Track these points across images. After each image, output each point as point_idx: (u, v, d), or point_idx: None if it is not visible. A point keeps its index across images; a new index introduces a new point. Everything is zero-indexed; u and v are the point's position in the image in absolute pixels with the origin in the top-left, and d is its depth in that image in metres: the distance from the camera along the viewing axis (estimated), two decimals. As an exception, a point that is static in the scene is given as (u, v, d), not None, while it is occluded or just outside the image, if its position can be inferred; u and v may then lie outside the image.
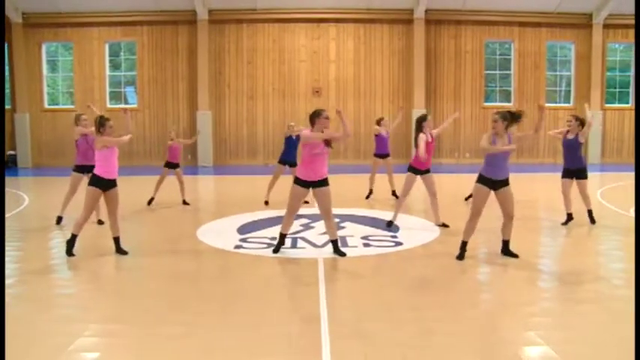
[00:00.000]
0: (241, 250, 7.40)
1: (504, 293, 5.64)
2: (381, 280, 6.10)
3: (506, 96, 22.88)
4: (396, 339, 4.29)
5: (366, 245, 7.59)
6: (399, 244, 7.70)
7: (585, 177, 9.09)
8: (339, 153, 22.16)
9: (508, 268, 6.68)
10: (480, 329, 4.51)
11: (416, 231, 8.59)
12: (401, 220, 9.15)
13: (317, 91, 22.06)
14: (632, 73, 22.72)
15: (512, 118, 6.88)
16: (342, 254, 6.93)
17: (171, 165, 11.49)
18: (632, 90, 22.85)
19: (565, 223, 9.03)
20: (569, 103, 22.81)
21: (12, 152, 22.30)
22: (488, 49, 22.61)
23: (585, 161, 9.22)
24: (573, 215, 9.06)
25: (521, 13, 21.74)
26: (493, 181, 6.80)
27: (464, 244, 6.92)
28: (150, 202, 11.36)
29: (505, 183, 6.86)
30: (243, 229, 8.78)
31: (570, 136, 9.04)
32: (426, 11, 21.37)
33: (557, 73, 23.10)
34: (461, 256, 6.84)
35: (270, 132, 22.25)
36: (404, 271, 6.67)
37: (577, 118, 9.09)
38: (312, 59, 22.09)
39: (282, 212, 8.58)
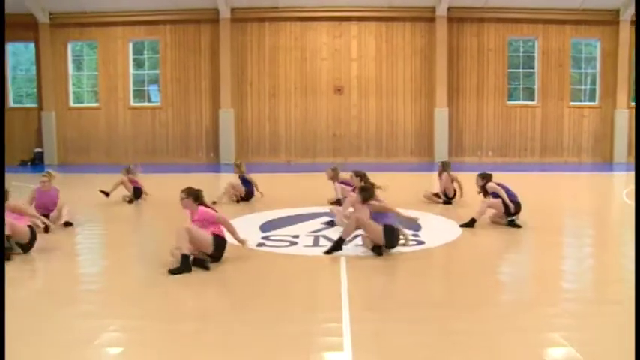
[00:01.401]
0: (263, 248, 7.44)
1: (526, 293, 5.61)
2: (402, 279, 6.10)
3: (529, 94, 22.66)
4: (417, 338, 4.30)
5: (388, 244, 7.58)
6: (420, 242, 7.68)
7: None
8: (360, 151, 22.16)
9: (530, 268, 6.65)
10: (501, 329, 4.49)
11: (438, 230, 8.56)
12: (423, 220, 9.12)
13: (339, 90, 22.07)
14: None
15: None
16: (380, 253, 6.92)
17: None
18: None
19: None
20: (594, 101, 22.53)
21: (39, 150, 22.67)
22: (511, 46, 22.42)
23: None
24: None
25: (545, 10, 21.50)
26: None
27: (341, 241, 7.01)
28: (107, 194, 11.55)
29: None
30: (266, 227, 8.82)
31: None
32: (449, 9, 21.25)
33: (582, 70, 22.83)
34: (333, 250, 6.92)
35: (292, 130, 22.32)
36: (425, 270, 6.67)
37: (483, 177, 9.01)
38: (334, 57, 22.10)
39: (303, 210, 8.65)
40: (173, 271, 6.07)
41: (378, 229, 6.88)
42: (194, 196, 6.69)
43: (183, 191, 6.76)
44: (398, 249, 7.26)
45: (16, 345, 4.23)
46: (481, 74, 22.10)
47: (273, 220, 9.39)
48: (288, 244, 7.64)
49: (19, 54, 23.86)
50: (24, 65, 23.93)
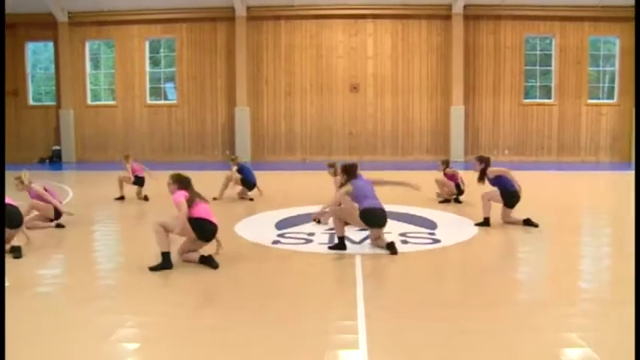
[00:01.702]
0: (279, 246, 7.46)
1: (542, 293, 5.58)
2: (418, 278, 6.09)
3: (546, 92, 22.49)
4: (433, 337, 4.29)
5: (403, 242, 7.57)
6: (436, 241, 7.67)
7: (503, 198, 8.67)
8: (376, 149, 22.13)
9: (546, 267, 6.61)
10: (518, 329, 4.47)
11: (454, 229, 8.53)
12: (439, 218, 9.10)
13: (355, 88, 22.05)
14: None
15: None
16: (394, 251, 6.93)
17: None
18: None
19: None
20: (612, 99, 22.30)
21: (57, 147, 22.92)
22: (528, 44, 22.26)
23: (509, 189, 8.64)
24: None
25: (563, 7, 21.31)
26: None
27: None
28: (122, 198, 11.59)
29: None
30: (281, 225, 8.85)
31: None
32: (465, 6, 21.14)
33: (600, 68, 22.60)
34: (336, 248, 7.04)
35: (307, 128, 22.35)
36: (441, 269, 6.66)
37: (481, 160, 8.86)
38: (350, 55, 22.08)
39: (319, 208, 8.64)
40: (153, 268, 6.18)
41: (354, 213, 7.05)
42: (179, 182, 6.66)
43: (171, 177, 6.76)
44: (414, 247, 7.27)
45: (36, 340, 4.30)
46: (497, 72, 21.96)
47: (289, 217, 9.41)
48: (303, 241, 7.66)
49: (39, 53, 24.13)
50: (43, 64, 24.20)
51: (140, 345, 4.30)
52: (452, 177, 11.01)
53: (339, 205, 7.48)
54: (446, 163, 11.29)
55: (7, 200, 7.15)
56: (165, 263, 6.26)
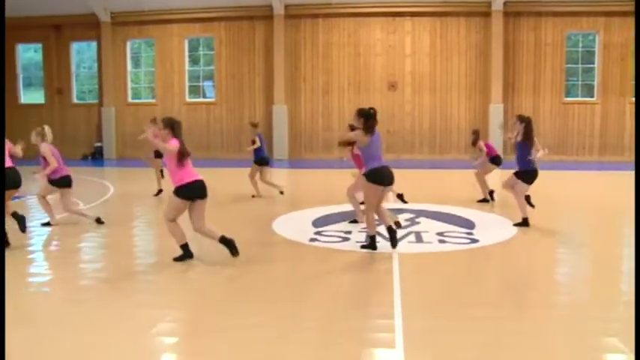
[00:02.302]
0: (316, 243, 7.51)
1: (582, 295, 5.50)
2: (455, 277, 6.07)
3: (588, 90, 22.01)
4: (470, 338, 4.28)
5: (441, 242, 7.55)
6: (474, 241, 7.62)
7: (523, 179, 8.56)
8: (414, 147, 22.02)
9: (586, 269, 6.52)
10: (557, 331, 4.42)
11: (492, 229, 8.46)
12: (477, 218, 9.03)
13: (392, 86, 21.97)
14: None
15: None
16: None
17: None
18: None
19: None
20: (658, 97, 21.69)
21: (99, 144, 23.45)
22: (570, 41, 21.80)
23: (530, 165, 8.53)
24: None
25: (608, 1, 20.76)
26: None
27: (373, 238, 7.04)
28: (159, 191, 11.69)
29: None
30: (318, 222, 8.90)
31: (518, 138, 8.61)
32: (505, 3, 20.82)
33: (645, 65, 21.99)
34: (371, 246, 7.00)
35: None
36: (479, 269, 6.62)
37: (522, 119, 8.60)
38: (388, 53, 22.00)
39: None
40: (176, 259, 6.50)
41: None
42: (171, 127, 6.47)
43: (162, 120, 6.62)
44: (451, 247, 7.23)
45: (80, 333, 4.44)
46: (538, 70, 21.56)
47: (326, 215, 9.46)
48: (340, 239, 7.69)
49: (82, 52, 24.71)
50: (86, 63, 24.77)
51: (178, 340, 4.41)
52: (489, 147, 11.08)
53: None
54: (476, 134, 11.33)
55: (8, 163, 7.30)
56: (185, 254, 6.53)
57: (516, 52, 21.54)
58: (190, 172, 6.46)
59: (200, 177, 6.51)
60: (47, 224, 8.74)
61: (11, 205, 7.50)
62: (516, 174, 8.57)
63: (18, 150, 7.90)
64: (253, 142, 11.59)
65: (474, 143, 11.24)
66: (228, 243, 6.51)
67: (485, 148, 11.00)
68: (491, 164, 10.95)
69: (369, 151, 6.98)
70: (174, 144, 6.37)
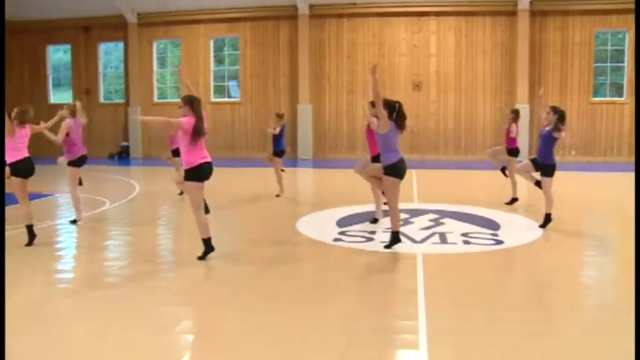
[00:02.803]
0: (340, 243, 7.53)
1: (611, 299, 5.43)
2: (480, 279, 6.04)
3: (617, 90, 21.65)
4: (495, 339, 4.26)
5: (465, 242, 7.52)
6: (499, 242, 7.57)
7: (547, 174, 8.38)
8: (438, 148, 21.89)
9: (614, 272, 6.43)
10: (583, 335, 4.38)
11: (518, 230, 8.39)
12: (503, 219, 8.96)
13: (417, 85, 21.86)
14: None
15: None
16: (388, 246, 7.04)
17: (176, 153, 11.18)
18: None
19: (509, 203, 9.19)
20: (689, 96, 21.27)
21: (125, 143, 23.74)
22: (599, 39, 21.46)
23: (553, 159, 8.41)
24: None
25: (638, -1, 20.40)
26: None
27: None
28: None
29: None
30: (342, 222, 8.92)
31: (547, 128, 8.47)
32: (531, 2, 20.58)
33: (676, 64, 21.56)
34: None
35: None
36: (504, 270, 6.58)
37: (555, 110, 8.46)
38: (413, 53, 21.90)
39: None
40: (200, 257, 6.60)
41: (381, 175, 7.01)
42: (191, 104, 6.48)
43: (182, 98, 6.65)
44: (476, 248, 7.19)
45: (104, 330, 4.52)
46: (565, 69, 21.26)
47: (351, 215, 9.46)
48: (364, 239, 7.70)
49: (110, 53, 25.03)
50: (113, 63, 25.08)
51: (201, 338, 4.45)
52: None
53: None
54: (515, 114, 11.12)
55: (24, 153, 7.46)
56: (207, 249, 6.61)
57: (543, 51, 21.28)
58: (200, 153, 6.45)
59: (209, 159, 6.53)
60: (74, 222, 8.88)
61: (31, 213, 7.58)
62: (541, 168, 8.42)
63: (43, 128, 8.17)
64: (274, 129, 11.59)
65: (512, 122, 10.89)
66: (207, 246, 6.66)
67: (514, 130, 10.82)
68: (509, 156, 10.86)
69: (388, 141, 6.94)
70: (188, 120, 6.36)
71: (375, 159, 7.98)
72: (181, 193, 11.75)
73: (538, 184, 8.59)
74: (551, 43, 21.17)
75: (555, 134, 8.27)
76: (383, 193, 7.48)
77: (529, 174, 8.78)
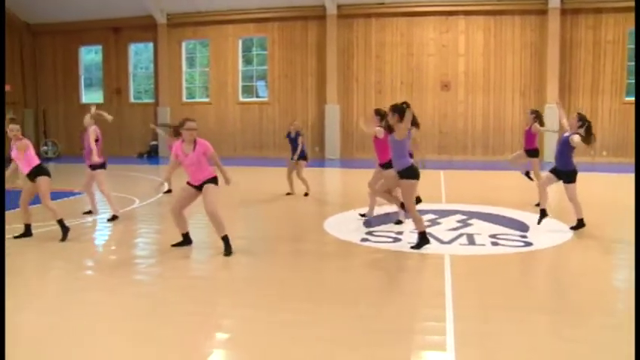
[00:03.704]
0: (367, 244, 7.53)
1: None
2: (508, 281, 5.98)
3: (651, 89, 21.22)
4: (525, 342, 4.22)
5: (494, 244, 7.45)
6: (528, 244, 7.49)
7: (570, 181, 8.18)
8: (466, 148, 21.72)
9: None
10: (613, 341, 4.30)
11: (547, 232, 8.28)
12: (532, 220, 8.86)
13: (445, 85, 21.72)
14: None
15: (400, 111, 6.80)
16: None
17: None
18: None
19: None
20: None
21: (154, 142, 24.02)
22: (632, 37, 21.03)
23: (573, 164, 8.16)
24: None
25: (675, -5, 19.95)
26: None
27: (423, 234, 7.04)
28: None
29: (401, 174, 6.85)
30: (370, 223, 8.91)
31: (566, 134, 8.21)
32: (562, 0, 20.30)
33: None
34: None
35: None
36: (533, 273, 6.52)
37: (580, 118, 8.13)
38: (441, 53, 21.76)
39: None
40: (226, 254, 6.83)
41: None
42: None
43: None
44: (505, 249, 7.13)
45: (138, 326, 4.59)
46: (597, 69, 20.89)
47: (378, 215, 9.44)
48: (391, 240, 7.68)
49: (140, 53, 25.39)
50: (143, 64, 25.44)
51: (232, 335, 4.49)
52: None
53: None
54: (536, 114, 10.99)
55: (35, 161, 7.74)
56: (226, 248, 6.91)
57: (574, 50, 20.94)
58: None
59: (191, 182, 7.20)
60: (113, 218, 9.14)
61: (57, 209, 7.80)
62: (563, 175, 8.24)
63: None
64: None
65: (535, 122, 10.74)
66: (186, 239, 7.25)
67: (538, 130, 10.76)
68: (530, 157, 10.76)
69: (402, 147, 6.94)
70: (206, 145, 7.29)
71: (386, 166, 8.20)
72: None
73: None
74: (583, 41, 20.82)
75: (572, 141, 8.01)
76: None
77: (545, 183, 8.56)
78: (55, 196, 8.85)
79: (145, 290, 5.66)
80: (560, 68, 20.67)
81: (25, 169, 7.67)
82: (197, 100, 24.43)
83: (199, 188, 7.01)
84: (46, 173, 7.72)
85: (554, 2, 20.26)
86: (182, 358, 4.05)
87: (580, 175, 8.22)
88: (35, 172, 7.65)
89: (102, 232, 8.64)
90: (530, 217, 9.00)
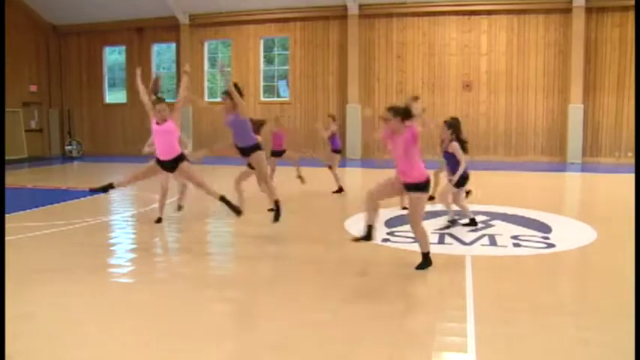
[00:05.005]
0: (388, 244, 7.52)
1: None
2: (531, 282, 5.94)
3: (678, 88, 20.86)
4: (547, 345, 4.19)
5: (516, 245, 7.40)
6: (551, 245, 7.42)
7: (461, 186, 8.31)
8: (488, 149, 21.56)
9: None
10: None
11: (570, 233, 8.21)
12: (554, 221, 8.78)
13: (467, 85, 21.58)
14: None
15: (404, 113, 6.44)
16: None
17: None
18: None
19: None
20: None
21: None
22: (659, 37, 20.72)
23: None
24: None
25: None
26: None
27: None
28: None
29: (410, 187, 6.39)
30: (391, 223, 8.90)
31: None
32: (587, -1, 20.05)
33: None
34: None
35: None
36: (557, 275, 6.45)
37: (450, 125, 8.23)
38: (463, 53, 21.63)
39: (429, 207, 8.60)
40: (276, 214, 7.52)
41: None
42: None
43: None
44: (527, 251, 7.08)
45: (163, 323, 4.64)
46: (622, 68, 20.56)
47: (399, 215, 9.42)
48: (412, 240, 7.64)
49: (162, 53, 25.61)
50: (165, 64, 25.64)
51: (250, 335, 4.53)
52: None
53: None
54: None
55: None
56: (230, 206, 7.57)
57: (599, 49, 20.67)
58: None
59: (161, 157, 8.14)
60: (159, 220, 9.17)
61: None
62: None
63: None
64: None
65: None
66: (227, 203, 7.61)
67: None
68: None
69: (418, 151, 6.63)
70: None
71: None
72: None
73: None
74: (608, 40, 20.52)
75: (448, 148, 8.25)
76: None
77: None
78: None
79: (167, 288, 5.70)
80: (584, 68, 20.42)
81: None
82: (218, 100, 24.56)
83: None
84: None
85: (579, 1, 20.02)
86: (203, 355, 4.09)
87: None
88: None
89: (126, 231, 8.72)
90: (553, 219, 8.91)
